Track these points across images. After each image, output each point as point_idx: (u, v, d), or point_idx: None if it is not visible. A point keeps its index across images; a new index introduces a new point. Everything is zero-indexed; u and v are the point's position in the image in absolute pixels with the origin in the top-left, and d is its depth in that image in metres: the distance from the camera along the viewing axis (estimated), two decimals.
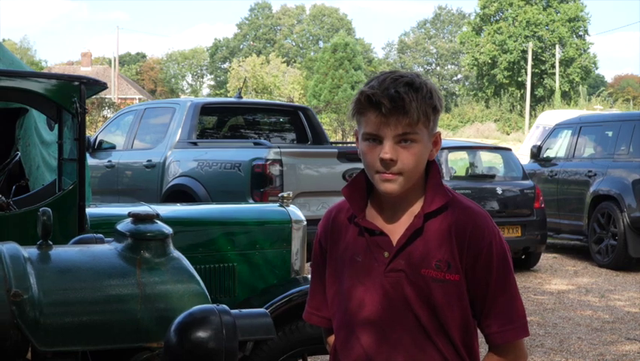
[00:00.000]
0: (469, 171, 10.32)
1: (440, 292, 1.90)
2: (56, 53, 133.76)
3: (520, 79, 57.05)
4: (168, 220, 3.18)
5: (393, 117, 1.85)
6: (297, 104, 16.40)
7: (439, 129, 1.99)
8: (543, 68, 57.00)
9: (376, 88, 1.87)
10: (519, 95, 56.43)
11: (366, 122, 1.89)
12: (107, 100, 37.50)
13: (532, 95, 53.11)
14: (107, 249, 2.84)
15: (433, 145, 1.96)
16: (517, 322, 1.94)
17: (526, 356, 2.01)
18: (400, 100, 1.85)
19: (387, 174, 1.88)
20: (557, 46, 55.44)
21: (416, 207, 1.96)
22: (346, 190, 2.03)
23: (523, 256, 10.17)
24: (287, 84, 54.53)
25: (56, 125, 4.32)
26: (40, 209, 2.77)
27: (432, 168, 1.98)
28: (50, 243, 2.77)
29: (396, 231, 1.95)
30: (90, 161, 8.30)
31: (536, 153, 12.15)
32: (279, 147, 7.36)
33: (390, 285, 1.93)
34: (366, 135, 1.90)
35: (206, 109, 8.79)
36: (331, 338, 2.12)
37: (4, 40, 54.02)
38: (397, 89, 1.85)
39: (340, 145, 12.39)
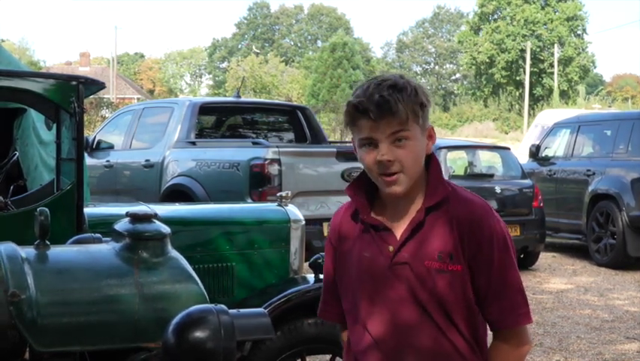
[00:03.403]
0: (468, 170, 10.32)
1: (444, 283, 1.96)
2: (55, 53, 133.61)
3: (518, 78, 57.08)
4: (167, 220, 3.18)
5: (383, 121, 1.93)
6: (295, 103, 16.44)
7: (436, 128, 2.03)
8: (541, 67, 57.02)
9: (362, 96, 1.95)
10: (517, 94, 56.45)
11: (359, 129, 1.97)
12: (105, 100, 37.45)
13: (531, 94, 53.13)
14: (105, 249, 2.84)
15: (428, 139, 2.02)
16: (520, 309, 2.00)
17: (530, 342, 2.07)
18: (385, 103, 1.92)
19: (389, 176, 1.95)
20: (556, 45, 55.46)
21: (418, 202, 2.02)
22: (350, 189, 2.10)
23: (522, 256, 10.16)
24: (285, 84, 54.58)
25: (54, 125, 4.32)
26: (38, 209, 2.76)
27: (432, 163, 2.05)
28: (48, 243, 2.76)
29: (399, 225, 2.02)
30: (88, 161, 8.28)
31: (535, 152, 12.15)
32: (277, 147, 7.35)
33: (396, 278, 1.99)
34: (362, 141, 1.98)
35: (204, 108, 8.78)
36: (345, 334, 2.18)
37: (2, 40, 53.96)
38: (382, 94, 1.93)
39: (339, 144, 12.43)
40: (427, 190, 2.02)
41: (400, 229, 2.01)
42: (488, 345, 2.07)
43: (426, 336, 1.98)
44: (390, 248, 2.00)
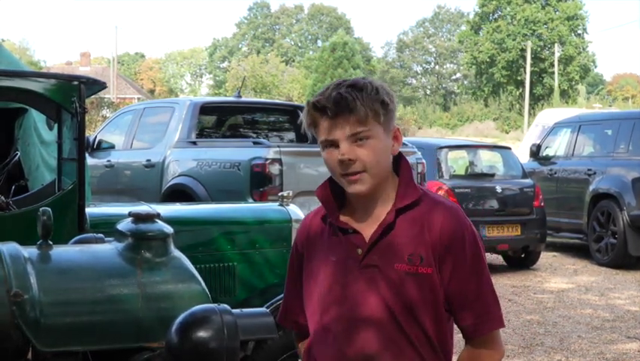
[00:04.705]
0: (469, 170, 10.32)
1: (413, 286, 1.92)
2: (55, 52, 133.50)
3: (519, 77, 57.06)
4: (168, 220, 3.18)
5: (340, 118, 1.91)
6: (296, 103, 16.40)
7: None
8: (542, 66, 57.00)
9: (320, 95, 1.95)
10: (518, 93, 56.45)
11: (320, 131, 1.96)
12: (105, 100, 37.47)
13: (531, 93, 53.11)
14: (108, 249, 2.84)
15: (394, 140, 1.99)
16: (493, 313, 1.96)
17: (503, 346, 2.03)
18: (342, 100, 1.90)
19: (350, 175, 1.92)
20: (556, 44, 55.44)
21: (388, 204, 1.98)
22: (319, 192, 2.06)
23: (522, 255, 10.17)
24: (286, 83, 54.59)
25: (56, 125, 4.32)
26: (40, 209, 2.77)
27: (402, 165, 2.02)
28: (50, 243, 2.76)
29: (369, 228, 1.98)
30: (89, 160, 8.28)
31: (536, 152, 12.15)
32: (278, 147, 7.34)
33: (364, 281, 1.95)
34: (324, 143, 1.95)
35: (205, 108, 8.77)
36: (303, 344, 2.14)
37: (2, 40, 53.96)
38: (339, 91, 1.91)
39: None
40: (399, 192, 1.98)
41: (369, 232, 1.96)
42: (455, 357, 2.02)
43: (390, 341, 1.93)
44: (359, 251, 1.96)
